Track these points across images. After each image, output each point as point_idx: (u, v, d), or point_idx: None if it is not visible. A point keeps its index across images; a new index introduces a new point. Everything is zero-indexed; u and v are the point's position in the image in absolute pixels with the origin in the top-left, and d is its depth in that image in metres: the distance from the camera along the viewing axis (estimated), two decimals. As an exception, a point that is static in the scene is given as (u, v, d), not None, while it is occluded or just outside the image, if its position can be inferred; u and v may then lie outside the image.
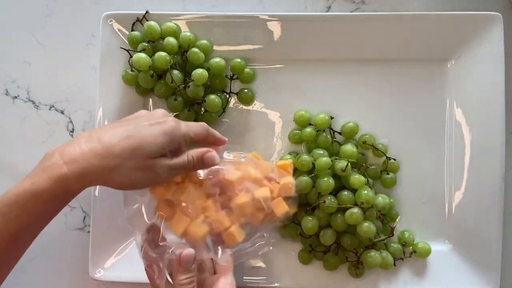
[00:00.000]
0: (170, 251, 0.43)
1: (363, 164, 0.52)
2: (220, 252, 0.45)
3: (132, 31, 0.52)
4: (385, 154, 0.51)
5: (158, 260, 0.43)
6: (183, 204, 0.44)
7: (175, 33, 0.51)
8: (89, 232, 0.53)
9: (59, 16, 0.57)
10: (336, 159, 0.50)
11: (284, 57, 0.53)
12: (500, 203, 0.50)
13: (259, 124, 0.54)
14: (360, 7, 0.56)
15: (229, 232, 0.45)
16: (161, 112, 0.44)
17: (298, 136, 0.53)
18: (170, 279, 0.43)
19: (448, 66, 0.53)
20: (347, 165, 0.48)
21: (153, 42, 0.52)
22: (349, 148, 0.50)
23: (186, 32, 0.52)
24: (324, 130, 0.52)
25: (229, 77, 0.53)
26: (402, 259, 0.51)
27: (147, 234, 0.44)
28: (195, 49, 0.51)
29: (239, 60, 0.53)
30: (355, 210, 0.47)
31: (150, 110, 0.54)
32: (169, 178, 0.43)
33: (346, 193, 0.49)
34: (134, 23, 0.52)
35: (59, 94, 0.57)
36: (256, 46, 0.53)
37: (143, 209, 0.44)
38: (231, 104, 0.54)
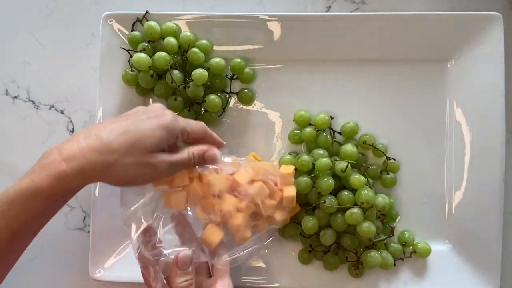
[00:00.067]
0: (167, 253, 0.43)
1: (363, 164, 0.52)
2: (216, 254, 0.45)
3: (132, 31, 0.52)
4: (385, 154, 0.52)
5: (154, 262, 0.43)
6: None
7: (175, 33, 0.51)
8: (89, 232, 0.53)
9: (59, 16, 0.57)
10: (336, 159, 0.50)
11: (284, 57, 0.53)
12: (500, 203, 0.50)
13: (259, 124, 0.54)
14: (360, 7, 0.56)
15: (239, 232, 0.45)
16: (158, 106, 0.44)
17: (298, 136, 0.53)
18: (165, 282, 0.43)
19: (448, 66, 0.53)
20: (347, 166, 0.48)
21: (153, 42, 0.52)
22: (349, 148, 0.50)
23: (186, 32, 0.52)
24: (324, 130, 0.52)
25: (229, 77, 0.53)
26: (402, 259, 0.51)
27: (143, 236, 0.44)
28: (195, 49, 0.51)
29: (239, 60, 0.53)
30: (355, 210, 0.47)
31: (149, 107, 0.54)
32: (169, 174, 0.43)
33: (346, 193, 0.49)
34: (134, 23, 0.52)
35: (59, 94, 0.57)
36: (256, 46, 0.53)
37: (141, 210, 0.44)
38: (231, 104, 0.54)
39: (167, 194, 0.45)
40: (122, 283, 0.53)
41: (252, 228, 0.47)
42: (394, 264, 0.51)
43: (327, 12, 0.56)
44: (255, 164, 0.48)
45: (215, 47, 0.53)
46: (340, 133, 0.53)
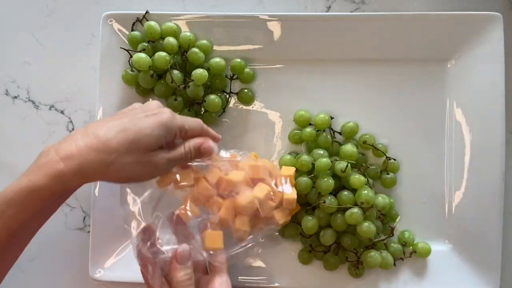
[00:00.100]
0: (165, 250, 0.43)
1: (363, 164, 0.52)
2: (213, 252, 0.45)
3: (132, 31, 0.52)
4: (385, 154, 0.52)
5: (152, 260, 0.43)
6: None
7: (175, 33, 0.51)
8: (89, 232, 0.53)
9: (59, 16, 0.57)
10: (336, 159, 0.50)
11: (284, 57, 0.53)
12: (500, 203, 0.50)
13: (259, 124, 0.54)
14: (360, 7, 0.56)
15: (238, 231, 0.45)
16: (155, 103, 0.44)
17: (298, 136, 0.53)
18: (164, 280, 0.43)
19: (448, 66, 0.53)
20: (346, 166, 0.48)
21: (153, 42, 0.52)
22: (349, 148, 0.50)
23: (186, 32, 0.52)
24: (324, 130, 0.52)
25: (229, 77, 0.53)
26: (402, 259, 0.51)
27: (142, 234, 0.44)
28: (195, 49, 0.51)
29: (239, 60, 0.53)
30: (355, 210, 0.47)
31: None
32: (168, 170, 0.43)
33: (346, 193, 0.49)
34: (134, 23, 0.52)
35: (59, 94, 0.57)
36: (256, 46, 0.53)
37: (140, 209, 0.44)
38: (231, 104, 0.54)
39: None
40: (122, 283, 0.53)
41: (251, 227, 0.47)
42: (394, 264, 0.51)
43: (327, 12, 0.56)
44: (253, 163, 0.48)
45: (215, 47, 0.53)
46: (340, 133, 0.53)
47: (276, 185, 0.48)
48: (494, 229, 0.50)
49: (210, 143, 0.45)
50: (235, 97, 0.54)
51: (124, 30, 0.53)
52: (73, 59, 0.57)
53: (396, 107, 0.53)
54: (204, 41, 0.52)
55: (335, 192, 0.50)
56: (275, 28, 0.52)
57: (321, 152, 0.51)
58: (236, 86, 0.54)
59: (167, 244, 0.44)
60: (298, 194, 0.48)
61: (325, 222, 0.50)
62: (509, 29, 0.52)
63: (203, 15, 0.52)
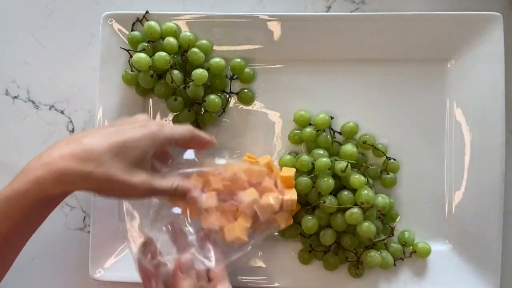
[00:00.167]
0: (167, 262, 0.43)
1: (363, 164, 0.52)
2: (213, 259, 0.45)
3: (132, 31, 0.52)
4: (385, 154, 0.52)
5: (155, 273, 0.43)
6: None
7: (175, 33, 0.51)
8: (89, 232, 0.53)
9: (59, 16, 0.57)
10: (336, 159, 0.50)
11: (284, 57, 0.53)
12: (500, 203, 0.50)
13: (259, 124, 0.54)
14: (360, 7, 0.56)
15: (236, 234, 0.45)
16: (143, 116, 0.44)
17: (298, 136, 0.53)
18: None
19: (448, 66, 0.53)
20: (346, 166, 0.48)
21: (153, 42, 0.52)
22: (349, 148, 0.50)
23: (186, 32, 0.52)
24: (324, 130, 0.52)
25: (229, 77, 0.53)
26: (402, 259, 0.51)
27: (143, 247, 0.44)
28: (195, 49, 0.51)
29: (239, 60, 0.53)
30: (355, 210, 0.47)
31: (150, 110, 0.54)
32: (147, 197, 0.42)
33: (346, 193, 0.49)
34: (134, 23, 0.52)
35: (59, 94, 0.57)
36: (256, 46, 0.53)
37: (140, 224, 0.44)
38: (231, 104, 0.54)
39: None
40: (122, 283, 0.53)
41: (251, 233, 0.47)
42: (394, 264, 0.51)
43: (327, 12, 0.56)
44: (249, 167, 0.47)
45: (215, 47, 0.53)
46: (340, 133, 0.53)
47: (275, 186, 0.48)
48: (494, 229, 0.50)
49: (197, 193, 0.44)
50: (235, 97, 0.54)
51: (124, 30, 0.53)
52: (73, 59, 0.57)
53: (396, 107, 0.53)
54: (204, 41, 0.52)
55: (335, 192, 0.50)
56: (275, 28, 0.52)
57: (321, 152, 0.51)
58: (236, 86, 0.54)
59: (168, 255, 0.44)
60: (298, 194, 0.48)
61: (325, 222, 0.50)
62: (509, 29, 0.52)
63: (203, 15, 0.52)
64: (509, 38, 0.51)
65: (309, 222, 0.49)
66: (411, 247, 0.52)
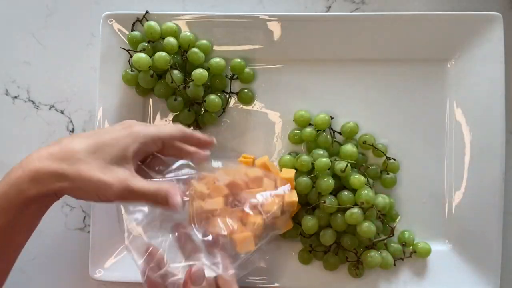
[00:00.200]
0: (175, 270, 0.42)
1: (363, 164, 0.52)
2: (221, 265, 0.43)
3: (132, 31, 0.52)
4: (385, 154, 0.52)
5: (163, 285, 0.41)
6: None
7: (175, 33, 0.51)
8: (89, 232, 0.53)
9: (59, 16, 0.57)
10: (336, 159, 0.50)
11: (284, 57, 0.53)
12: (500, 203, 0.50)
13: (259, 124, 0.54)
14: (360, 7, 0.56)
15: (245, 240, 0.44)
16: (130, 120, 0.44)
17: (298, 136, 0.53)
18: None
19: (448, 66, 0.53)
20: (346, 166, 0.48)
21: (153, 42, 0.52)
22: (349, 148, 0.50)
23: (186, 32, 0.52)
24: (324, 130, 0.52)
25: (229, 77, 0.53)
26: (402, 259, 0.51)
27: (148, 257, 0.42)
28: (195, 49, 0.51)
29: (239, 60, 0.53)
30: (355, 210, 0.47)
31: (150, 110, 0.54)
32: (124, 199, 0.39)
33: (346, 193, 0.49)
34: (134, 23, 0.52)
35: (59, 94, 0.57)
36: (256, 46, 0.53)
37: (143, 233, 0.42)
38: (231, 104, 0.54)
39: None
40: (122, 283, 0.53)
41: (255, 238, 0.46)
42: (394, 264, 0.51)
43: (327, 12, 0.56)
44: (245, 173, 0.47)
45: (215, 47, 0.53)
46: (340, 133, 0.53)
47: (275, 186, 0.47)
48: (494, 229, 0.50)
49: (178, 199, 0.40)
50: (235, 97, 0.54)
51: (124, 30, 0.53)
52: (73, 59, 0.57)
53: (396, 107, 0.53)
54: (204, 41, 0.52)
55: (335, 192, 0.50)
56: (275, 28, 0.52)
57: (321, 152, 0.51)
58: (236, 86, 0.54)
59: (174, 262, 0.42)
60: (298, 194, 0.48)
61: (325, 222, 0.50)
62: (509, 29, 0.52)
63: (203, 15, 0.52)
64: (509, 38, 0.51)
65: (309, 222, 0.49)
66: (411, 247, 0.52)
